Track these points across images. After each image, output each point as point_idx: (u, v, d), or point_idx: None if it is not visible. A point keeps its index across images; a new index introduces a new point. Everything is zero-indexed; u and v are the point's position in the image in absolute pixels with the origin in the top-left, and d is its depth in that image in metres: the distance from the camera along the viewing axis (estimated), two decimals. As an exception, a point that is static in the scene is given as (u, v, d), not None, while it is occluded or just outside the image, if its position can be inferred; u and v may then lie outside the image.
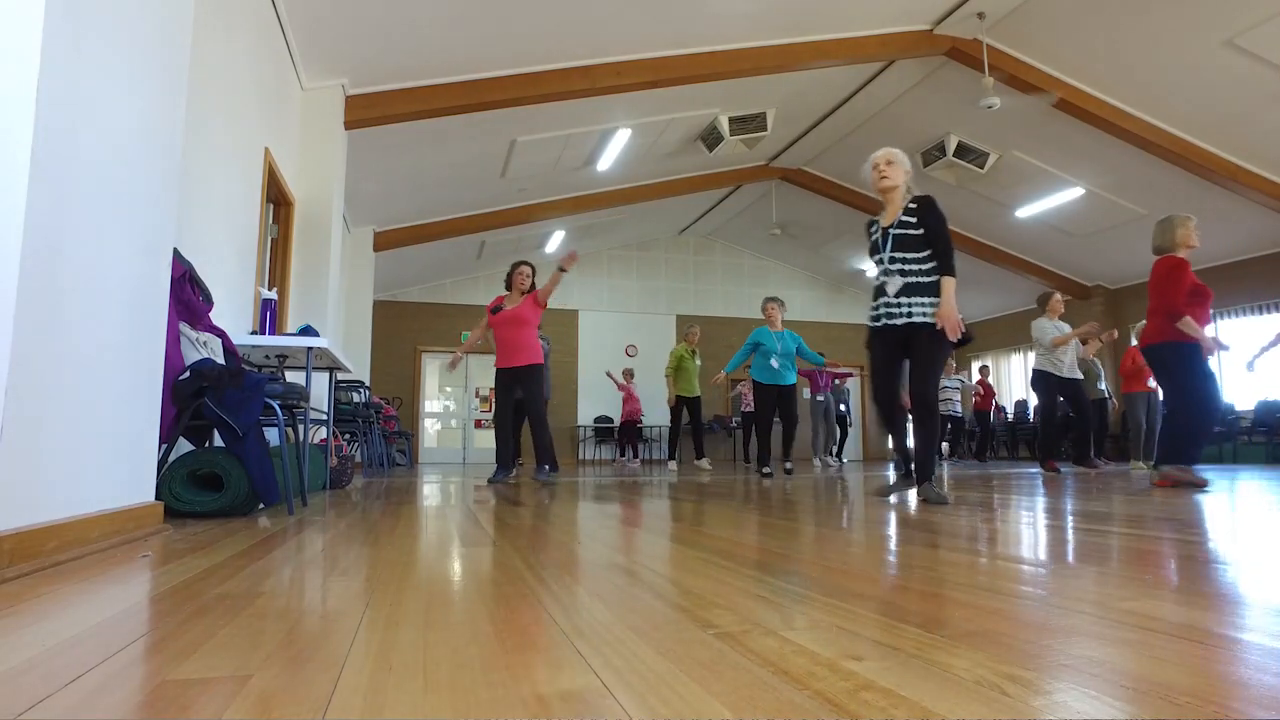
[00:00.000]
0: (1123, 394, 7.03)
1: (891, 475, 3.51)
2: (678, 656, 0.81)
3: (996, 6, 6.62)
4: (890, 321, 3.21)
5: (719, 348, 13.34)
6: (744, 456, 10.04)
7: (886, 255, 3.23)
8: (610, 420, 13.14)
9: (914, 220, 3.19)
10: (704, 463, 8.04)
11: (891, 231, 3.23)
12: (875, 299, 3.32)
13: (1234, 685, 0.70)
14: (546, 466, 5.17)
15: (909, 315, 3.16)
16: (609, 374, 11.35)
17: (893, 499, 3.29)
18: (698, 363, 8.23)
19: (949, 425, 10.89)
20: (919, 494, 3.17)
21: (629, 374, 11.10)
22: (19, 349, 1.40)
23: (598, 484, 5.01)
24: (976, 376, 11.81)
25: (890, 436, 3.36)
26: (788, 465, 6.98)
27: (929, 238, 3.17)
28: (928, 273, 3.17)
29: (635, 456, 11.07)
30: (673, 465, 8.59)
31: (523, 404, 5.22)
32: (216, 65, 3.66)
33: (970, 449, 12.32)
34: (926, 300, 3.15)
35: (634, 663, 0.79)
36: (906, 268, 3.18)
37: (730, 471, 7.58)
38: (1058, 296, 6.57)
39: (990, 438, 11.67)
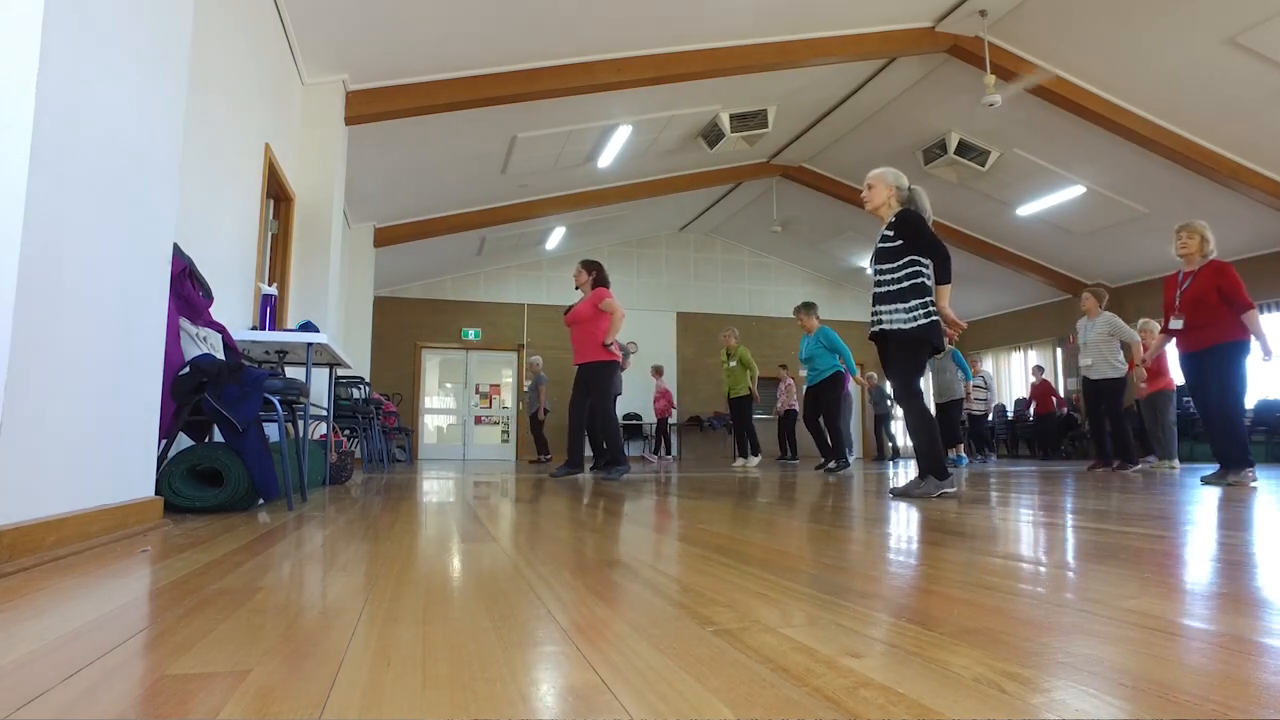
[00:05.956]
0: (1156, 393, 6.86)
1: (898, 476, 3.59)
2: (676, 653, 0.81)
3: (998, 4, 6.61)
4: (874, 329, 3.45)
5: (718, 346, 13.36)
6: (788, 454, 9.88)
7: (872, 267, 3.48)
8: (639, 417, 13.18)
9: (891, 234, 3.38)
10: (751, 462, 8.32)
11: (876, 245, 3.46)
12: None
13: (1234, 683, 0.70)
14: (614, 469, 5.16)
15: (880, 323, 3.39)
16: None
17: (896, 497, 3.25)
18: (732, 364, 8.41)
19: (966, 422, 10.21)
20: (911, 488, 3.22)
21: (658, 370, 11.23)
22: (18, 344, 1.40)
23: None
24: (1031, 378, 11.94)
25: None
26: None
27: (906, 249, 3.33)
28: (898, 281, 3.35)
29: (668, 453, 11.53)
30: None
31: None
32: (217, 61, 3.65)
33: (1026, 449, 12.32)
34: (895, 308, 3.32)
35: (633, 659, 0.79)
36: (881, 278, 3.40)
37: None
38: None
39: (1039, 438, 11.82)
